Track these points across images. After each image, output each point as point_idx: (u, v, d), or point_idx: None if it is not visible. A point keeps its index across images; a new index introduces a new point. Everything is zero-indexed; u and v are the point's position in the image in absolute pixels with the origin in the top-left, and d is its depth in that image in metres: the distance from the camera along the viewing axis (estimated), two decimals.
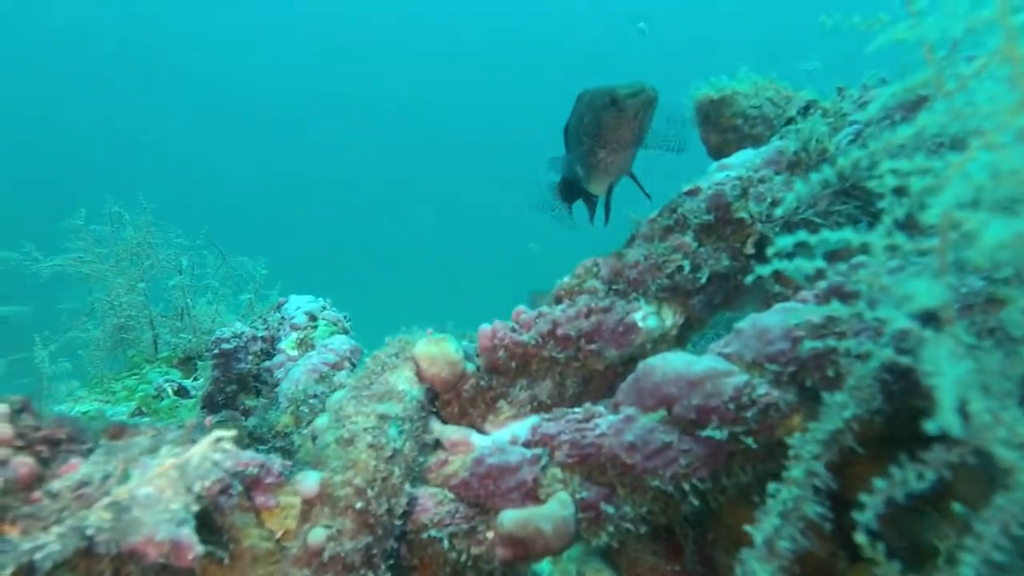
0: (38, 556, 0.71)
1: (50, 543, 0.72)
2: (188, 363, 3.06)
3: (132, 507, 0.75)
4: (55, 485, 0.78)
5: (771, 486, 0.96)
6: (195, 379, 2.91)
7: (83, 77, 25.63)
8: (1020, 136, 0.70)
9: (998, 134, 0.70)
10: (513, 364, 1.29)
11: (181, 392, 2.81)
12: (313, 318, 2.54)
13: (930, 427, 0.75)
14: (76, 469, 0.80)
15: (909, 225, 0.82)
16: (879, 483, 0.81)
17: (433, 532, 1.14)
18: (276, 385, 2.26)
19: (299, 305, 2.63)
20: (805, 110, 1.43)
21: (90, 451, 0.85)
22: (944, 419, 0.72)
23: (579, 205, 1.72)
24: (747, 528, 0.96)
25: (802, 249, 0.85)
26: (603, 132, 1.34)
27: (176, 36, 27.33)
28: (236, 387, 2.36)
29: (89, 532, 0.73)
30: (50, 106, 24.47)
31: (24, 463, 0.80)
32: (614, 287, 1.31)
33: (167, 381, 2.85)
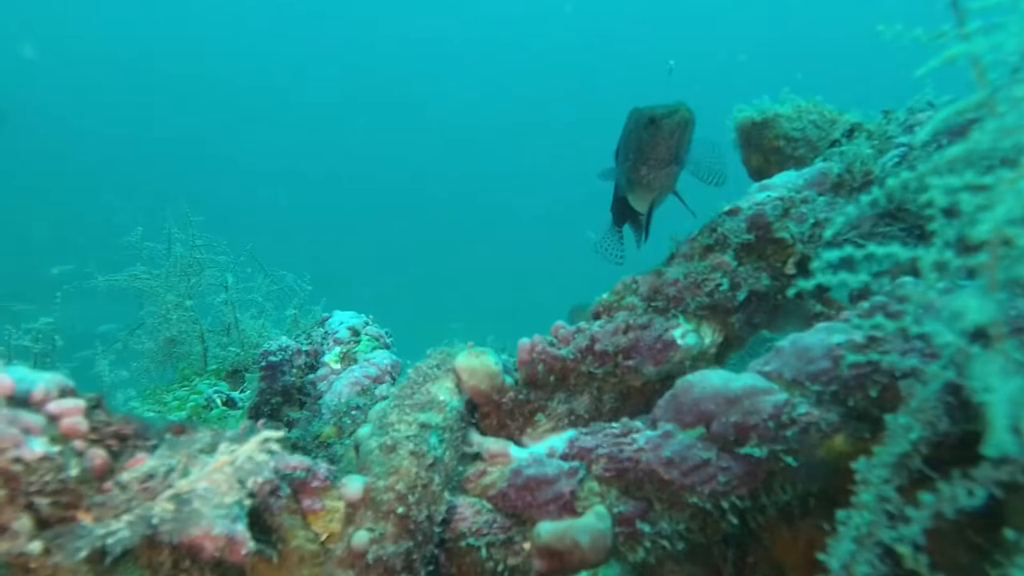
0: (110, 541, 0.76)
1: (120, 530, 0.77)
2: (235, 375, 3.16)
3: (192, 500, 0.79)
4: (124, 476, 0.84)
5: (840, 513, 0.93)
6: (242, 391, 3.00)
7: (129, 90, 26.67)
8: None
9: None
10: (551, 378, 1.32)
11: (229, 403, 2.90)
12: (356, 333, 2.61)
13: (988, 450, 0.73)
14: (143, 463, 0.86)
15: (957, 245, 0.81)
16: (927, 498, 0.80)
17: (471, 541, 1.16)
18: (319, 397, 2.32)
19: (342, 320, 2.71)
20: (850, 132, 1.44)
21: (155, 447, 0.90)
22: (999, 438, 0.70)
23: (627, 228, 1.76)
24: (820, 556, 0.93)
25: (847, 265, 0.85)
26: (643, 150, 1.38)
27: (217, 48, 28.16)
28: (281, 399, 2.43)
29: (154, 521, 0.78)
30: (93, 120, 25.55)
31: (98, 455, 0.86)
32: (653, 304, 1.33)
33: (216, 392, 2.95)
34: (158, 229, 3.20)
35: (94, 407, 0.90)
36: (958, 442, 0.92)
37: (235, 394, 2.96)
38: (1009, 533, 0.95)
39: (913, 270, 1.03)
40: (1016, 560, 0.74)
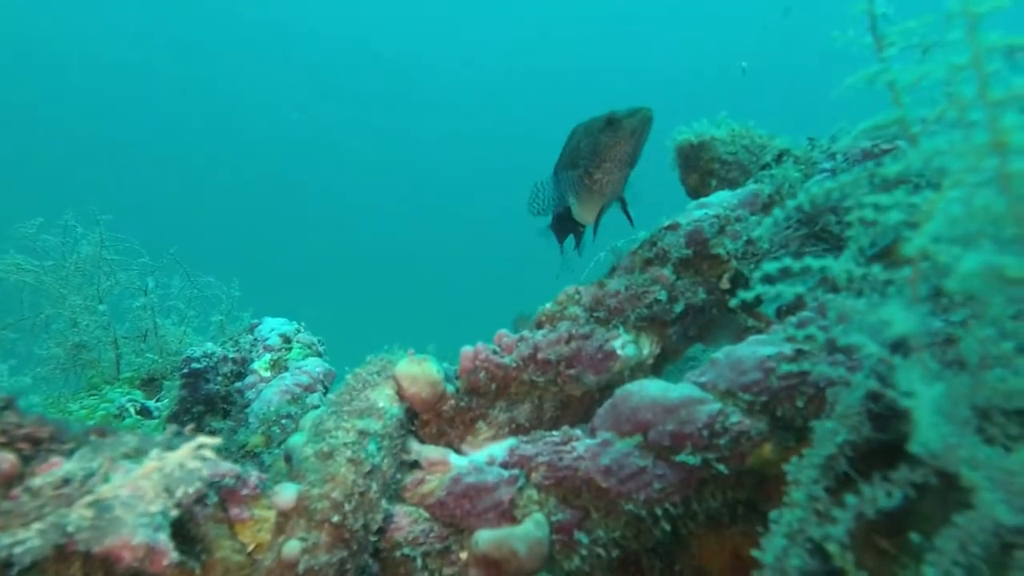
0: (17, 551, 0.70)
1: (30, 538, 0.70)
2: (151, 384, 2.98)
3: (115, 507, 0.74)
4: (36, 482, 0.77)
5: (773, 513, 0.97)
6: (159, 400, 2.84)
7: (45, 82, 24.98)
8: (990, 177, 0.76)
9: (969, 175, 0.76)
10: (493, 386, 1.31)
11: (144, 412, 2.74)
12: (287, 340, 2.52)
13: (914, 448, 0.78)
14: (58, 466, 0.79)
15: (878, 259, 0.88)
16: (850, 499, 0.85)
17: (407, 550, 1.14)
18: (246, 406, 2.22)
19: (273, 327, 2.61)
20: (779, 157, 1.52)
21: (72, 451, 0.84)
22: (924, 436, 0.75)
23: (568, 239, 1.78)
24: (754, 553, 0.97)
25: (784, 277, 0.89)
26: (600, 152, 1.40)
27: (145, 39, 26.76)
28: (203, 408, 2.32)
29: (70, 529, 0.72)
30: (11, 111, 23.77)
31: (6, 459, 0.79)
32: (595, 315, 1.35)
33: (130, 401, 2.77)
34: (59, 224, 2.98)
35: (3, 408, 0.83)
36: (881, 449, 0.98)
37: (151, 403, 2.80)
38: (914, 537, 1.02)
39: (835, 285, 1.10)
40: (927, 560, 0.79)
